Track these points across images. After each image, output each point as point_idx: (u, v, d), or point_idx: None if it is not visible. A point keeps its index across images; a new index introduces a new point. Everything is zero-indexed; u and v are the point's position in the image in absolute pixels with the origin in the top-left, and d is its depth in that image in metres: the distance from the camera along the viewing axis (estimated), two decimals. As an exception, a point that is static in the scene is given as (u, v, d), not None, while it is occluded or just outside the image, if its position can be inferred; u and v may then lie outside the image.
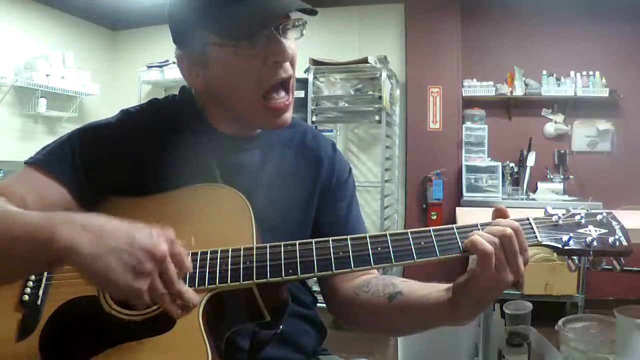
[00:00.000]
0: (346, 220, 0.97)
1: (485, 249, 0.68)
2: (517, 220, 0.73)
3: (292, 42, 0.84)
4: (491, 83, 4.08)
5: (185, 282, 0.69)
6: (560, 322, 2.21)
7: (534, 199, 3.79)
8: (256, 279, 0.71)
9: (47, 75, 3.92)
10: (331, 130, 4.22)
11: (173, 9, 0.87)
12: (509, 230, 0.70)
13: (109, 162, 0.85)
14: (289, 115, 0.87)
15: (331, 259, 0.73)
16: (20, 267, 0.69)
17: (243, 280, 0.71)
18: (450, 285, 0.77)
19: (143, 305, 0.67)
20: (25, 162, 0.85)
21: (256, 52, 0.80)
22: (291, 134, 0.97)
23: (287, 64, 0.83)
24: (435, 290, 0.80)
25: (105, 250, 0.62)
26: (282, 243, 0.74)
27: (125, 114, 0.92)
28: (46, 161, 0.84)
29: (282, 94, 0.85)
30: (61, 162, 0.84)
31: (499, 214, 0.75)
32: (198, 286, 0.71)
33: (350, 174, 1.03)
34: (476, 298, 0.72)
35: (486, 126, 4.06)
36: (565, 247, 0.73)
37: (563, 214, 0.76)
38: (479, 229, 0.73)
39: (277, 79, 0.83)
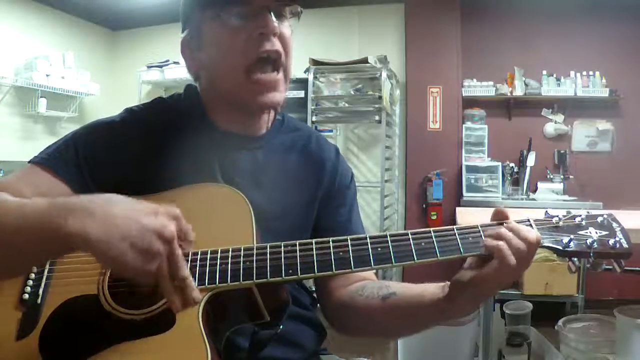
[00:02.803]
0: (346, 225, 0.97)
1: (510, 262, 0.69)
2: (517, 222, 0.73)
3: (285, 27, 0.87)
4: (491, 83, 4.08)
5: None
6: (560, 322, 2.21)
7: (534, 199, 3.79)
8: (256, 279, 0.71)
9: (47, 75, 3.92)
10: (331, 130, 4.21)
11: None
12: (535, 239, 0.70)
13: (112, 160, 0.86)
14: (277, 95, 0.87)
15: (331, 259, 0.72)
16: (28, 257, 0.68)
17: (243, 280, 0.71)
18: (444, 283, 0.77)
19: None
20: (29, 161, 0.85)
21: (244, 25, 0.83)
22: (295, 137, 0.97)
23: (274, 39, 0.85)
24: (430, 288, 0.80)
25: (115, 235, 0.62)
26: (282, 243, 0.74)
27: (129, 113, 0.92)
28: (50, 160, 0.84)
29: (269, 69, 0.86)
30: (65, 160, 0.84)
31: (499, 216, 0.75)
32: (198, 285, 0.71)
33: (352, 180, 1.03)
34: (475, 296, 0.73)
35: (486, 126, 4.06)
36: (566, 249, 0.73)
37: (564, 216, 0.76)
38: (479, 230, 0.73)
39: (261, 50, 0.84)
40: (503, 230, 0.72)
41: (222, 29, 0.84)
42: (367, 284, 0.90)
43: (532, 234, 0.71)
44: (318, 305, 0.99)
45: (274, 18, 0.84)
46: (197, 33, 0.88)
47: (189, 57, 0.91)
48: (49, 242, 0.64)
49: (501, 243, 0.70)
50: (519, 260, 0.69)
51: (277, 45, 0.86)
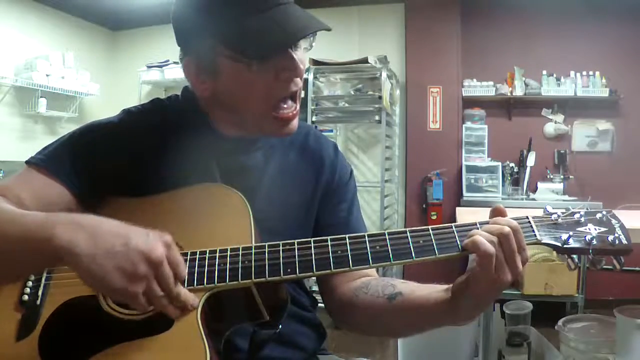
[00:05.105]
0: (347, 222, 0.97)
1: (487, 249, 0.68)
2: (516, 219, 0.73)
3: (302, 53, 0.83)
4: (491, 83, 4.08)
5: (184, 283, 0.70)
6: (560, 322, 2.20)
7: (534, 199, 3.79)
8: (255, 278, 0.71)
9: (47, 75, 3.92)
10: (331, 130, 4.22)
11: (180, 13, 0.84)
12: (506, 229, 0.69)
13: (110, 161, 0.85)
14: (295, 123, 0.87)
15: (330, 258, 0.72)
16: (18, 268, 0.69)
17: (241, 280, 0.71)
18: (449, 285, 0.77)
19: (141, 308, 0.67)
20: (26, 162, 0.85)
21: (269, 67, 0.79)
22: (294, 136, 0.96)
23: (298, 78, 0.83)
24: (435, 290, 0.79)
25: (101, 252, 0.62)
26: (281, 242, 0.74)
27: (127, 114, 0.92)
28: (47, 161, 0.84)
29: (290, 103, 0.85)
30: (62, 161, 0.84)
31: (497, 213, 0.75)
32: (197, 285, 0.71)
33: (352, 176, 1.02)
34: (476, 298, 0.72)
35: (486, 126, 4.06)
36: (565, 246, 0.73)
37: (562, 213, 0.76)
38: (477, 228, 0.73)
39: (288, 92, 0.83)
40: (479, 228, 0.72)
41: (245, 71, 0.79)
42: (370, 281, 0.90)
43: (511, 223, 0.70)
44: (319, 304, 0.99)
45: (295, 55, 0.80)
46: (209, 61, 0.81)
47: (196, 79, 0.85)
48: (38, 254, 0.65)
49: (475, 237, 0.69)
50: (501, 254, 0.68)
51: (300, 83, 0.85)
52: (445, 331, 0.81)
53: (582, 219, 0.75)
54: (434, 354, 2.33)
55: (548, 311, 2.92)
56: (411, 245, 0.72)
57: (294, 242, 0.74)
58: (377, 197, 3.89)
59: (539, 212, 0.78)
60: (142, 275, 0.63)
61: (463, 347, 2.36)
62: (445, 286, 0.78)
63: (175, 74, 4.24)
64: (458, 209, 2.91)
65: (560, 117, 4.06)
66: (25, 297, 0.75)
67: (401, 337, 2.27)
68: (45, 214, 0.68)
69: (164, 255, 0.65)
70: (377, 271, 0.98)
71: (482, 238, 0.69)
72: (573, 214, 0.76)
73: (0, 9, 3.86)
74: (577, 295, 3.12)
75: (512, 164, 3.97)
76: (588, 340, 2.08)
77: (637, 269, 3.06)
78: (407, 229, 0.74)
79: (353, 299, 0.88)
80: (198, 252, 0.73)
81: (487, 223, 0.73)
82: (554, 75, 3.98)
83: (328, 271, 0.72)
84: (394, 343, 2.78)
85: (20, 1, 4.02)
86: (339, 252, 0.73)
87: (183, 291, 0.68)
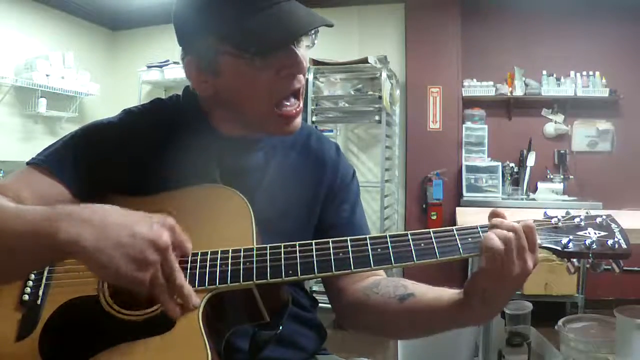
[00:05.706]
0: (350, 222, 0.96)
1: (493, 244, 0.68)
2: (516, 222, 0.73)
3: (304, 50, 0.83)
4: (491, 83, 4.08)
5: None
6: (560, 322, 2.21)
7: (533, 199, 3.79)
8: (256, 279, 0.72)
9: (47, 75, 3.91)
10: (331, 130, 4.22)
11: (181, 12, 0.84)
12: (517, 226, 0.70)
13: (111, 161, 0.85)
14: (298, 121, 0.87)
15: (331, 260, 0.73)
16: (23, 263, 0.69)
17: (243, 281, 0.72)
18: (461, 290, 0.77)
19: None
20: (28, 163, 0.85)
21: (271, 63, 0.79)
22: (295, 136, 0.96)
23: (301, 75, 0.83)
24: (447, 293, 0.79)
25: (108, 243, 0.63)
26: (283, 244, 0.74)
27: (128, 114, 0.92)
28: (48, 161, 0.84)
29: (293, 100, 0.85)
30: (63, 162, 0.84)
31: (495, 216, 0.74)
32: (198, 286, 0.71)
33: (354, 177, 1.02)
34: (486, 300, 0.72)
35: (486, 126, 4.06)
36: (565, 250, 0.73)
37: (563, 217, 0.76)
38: (478, 231, 0.73)
39: (291, 89, 0.83)
40: (480, 231, 0.72)
41: (247, 68, 0.79)
42: (380, 280, 0.89)
43: (519, 223, 0.71)
44: (319, 305, 0.99)
45: (298, 51, 0.80)
46: (211, 59, 0.81)
47: (197, 78, 0.85)
48: (44, 249, 0.65)
49: (488, 234, 0.70)
50: (512, 252, 0.69)
51: (303, 79, 0.84)
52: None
53: (582, 223, 0.76)
54: (434, 354, 2.33)
55: (548, 311, 2.92)
56: (412, 247, 0.72)
57: (296, 244, 0.74)
58: (377, 197, 3.89)
59: (539, 213, 0.78)
60: (151, 262, 0.64)
61: (463, 347, 2.36)
62: (457, 290, 0.78)
63: (175, 74, 4.24)
64: (458, 209, 2.91)
65: (560, 117, 4.06)
66: (26, 297, 0.75)
67: (408, 339, 2.26)
68: (48, 207, 0.67)
69: (169, 241, 0.66)
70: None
71: (496, 238, 0.69)
72: (573, 217, 0.76)
73: (0, 9, 3.86)
74: (577, 295, 3.13)
75: (512, 164, 3.97)
76: (588, 340, 2.08)
77: (637, 269, 3.06)
78: (409, 232, 0.74)
79: (364, 299, 0.87)
80: (199, 253, 0.73)
81: (488, 226, 0.73)
82: (554, 75, 3.98)
83: (329, 273, 0.72)
84: (394, 343, 2.77)
85: (20, 1, 4.02)
86: (341, 254, 0.73)
87: (187, 286, 0.68)
